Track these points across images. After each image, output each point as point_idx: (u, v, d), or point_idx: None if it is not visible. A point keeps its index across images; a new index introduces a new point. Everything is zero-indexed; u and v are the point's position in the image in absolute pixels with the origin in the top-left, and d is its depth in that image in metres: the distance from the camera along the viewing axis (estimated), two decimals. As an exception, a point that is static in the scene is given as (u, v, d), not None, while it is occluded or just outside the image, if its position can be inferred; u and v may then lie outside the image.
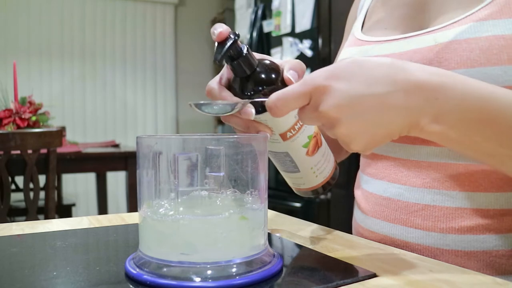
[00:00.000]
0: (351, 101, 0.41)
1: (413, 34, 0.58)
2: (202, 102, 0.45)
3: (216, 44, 0.47)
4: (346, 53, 0.68)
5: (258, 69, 0.49)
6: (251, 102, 0.47)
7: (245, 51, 0.47)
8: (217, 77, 0.51)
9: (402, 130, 0.43)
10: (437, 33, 0.55)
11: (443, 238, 0.55)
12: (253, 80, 0.48)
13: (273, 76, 0.48)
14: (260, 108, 0.49)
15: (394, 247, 0.58)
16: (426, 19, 0.60)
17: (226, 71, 0.51)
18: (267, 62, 0.50)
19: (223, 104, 0.47)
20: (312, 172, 0.55)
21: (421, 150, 0.57)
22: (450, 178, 0.55)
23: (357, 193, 0.69)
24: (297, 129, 0.51)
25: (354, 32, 0.70)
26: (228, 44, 0.46)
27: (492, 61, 0.50)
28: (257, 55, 0.51)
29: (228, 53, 0.46)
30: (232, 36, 0.46)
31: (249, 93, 0.48)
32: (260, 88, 0.48)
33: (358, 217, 0.67)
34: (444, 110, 0.42)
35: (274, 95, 0.43)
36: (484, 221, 0.53)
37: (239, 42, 0.47)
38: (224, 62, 0.48)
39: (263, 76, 0.48)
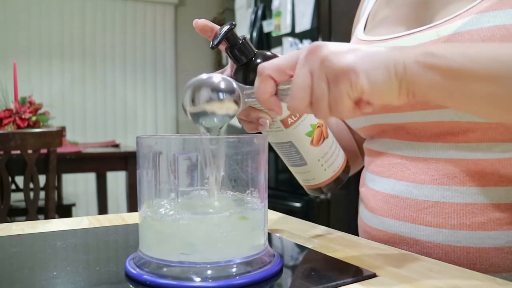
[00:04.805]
0: (340, 49, 0.42)
1: (416, 30, 0.59)
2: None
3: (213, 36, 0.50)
4: None
5: (256, 58, 0.51)
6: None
7: (241, 39, 0.50)
8: (221, 70, 0.55)
9: (388, 61, 0.42)
10: (440, 27, 0.55)
11: (454, 234, 0.55)
12: (253, 68, 0.50)
13: None
14: None
15: (404, 245, 0.58)
16: (429, 16, 0.60)
17: (230, 65, 0.53)
18: (266, 52, 0.52)
19: (222, 115, 0.47)
20: (320, 164, 0.56)
21: (428, 147, 0.57)
22: (459, 173, 0.55)
23: (363, 191, 0.68)
24: (298, 115, 0.52)
25: (356, 34, 0.71)
26: (224, 29, 0.49)
27: None
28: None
29: (225, 38, 0.49)
30: (228, 24, 0.49)
31: (250, 81, 0.50)
32: None
33: (364, 216, 0.66)
34: (431, 49, 0.43)
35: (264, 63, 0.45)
36: (495, 216, 0.53)
37: (235, 31, 0.49)
38: (227, 54, 0.51)
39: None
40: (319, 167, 0.56)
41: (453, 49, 0.43)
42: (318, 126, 0.54)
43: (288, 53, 0.44)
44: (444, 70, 0.42)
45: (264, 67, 0.44)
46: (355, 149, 0.76)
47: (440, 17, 0.58)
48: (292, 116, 0.52)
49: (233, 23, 0.49)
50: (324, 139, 0.55)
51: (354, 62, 0.41)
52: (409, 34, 0.59)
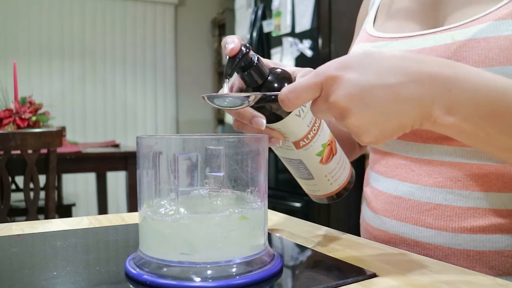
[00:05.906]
0: (362, 91, 0.40)
1: (430, 32, 0.58)
2: (214, 94, 0.46)
3: (227, 58, 0.47)
4: (359, 48, 0.68)
5: (269, 78, 0.49)
6: (263, 96, 0.47)
7: (255, 61, 0.47)
8: (228, 87, 0.51)
9: (415, 122, 0.42)
10: (455, 31, 0.55)
11: (455, 237, 0.54)
12: (265, 90, 0.48)
13: (285, 84, 0.47)
14: (274, 117, 0.49)
15: (404, 246, 0.58)
16: (441, 16, 0.59)
17: (237, 80, 0.51)
18: (279, 70, 0.50)
19: (235, 97, 0.47)
20: (327, 179, 0.55)
21: (433, 149, 0.57)
22: (463, 177, 0.55)
23: (366, 190, 0.68)
24: (310, 138, 0.51)
25: (366, 28, 0.70)
26: (239, 57, 0.46)
27: None
28: (269, 61, 0.51)
29: (239, 65, 0.47)
30: (243, 49, 0.46)
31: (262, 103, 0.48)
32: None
33: (367, 215, 0.66)
34: (458, 101, 0.41)
35: (286, 88, 0.43)
36: (497, 221, 0.53)
37: (249, 53, 0.47)
38: (239, 77, 0.49)
39: (275, 85, 0.48)
40: (326, 181, 0.55)
41: (474, 99, 0.42)
42: (329, 144, 0.53)
43: (309, 82, 0.42)
44: (463, 130, 0.43)
45: (289, 104, 0.44)
46: (353, 140, 0.76)
47: (453, 19, 0.57)
48: (305, 139, 0.51)
49: (248, 45, 0.47)
50: (333, 156, 0.54)
51: (376, 141, 0.43)
52: (422, 34, 0.58)
